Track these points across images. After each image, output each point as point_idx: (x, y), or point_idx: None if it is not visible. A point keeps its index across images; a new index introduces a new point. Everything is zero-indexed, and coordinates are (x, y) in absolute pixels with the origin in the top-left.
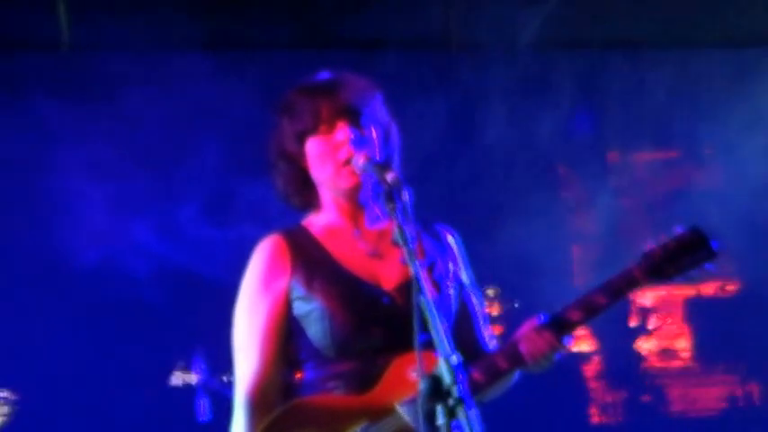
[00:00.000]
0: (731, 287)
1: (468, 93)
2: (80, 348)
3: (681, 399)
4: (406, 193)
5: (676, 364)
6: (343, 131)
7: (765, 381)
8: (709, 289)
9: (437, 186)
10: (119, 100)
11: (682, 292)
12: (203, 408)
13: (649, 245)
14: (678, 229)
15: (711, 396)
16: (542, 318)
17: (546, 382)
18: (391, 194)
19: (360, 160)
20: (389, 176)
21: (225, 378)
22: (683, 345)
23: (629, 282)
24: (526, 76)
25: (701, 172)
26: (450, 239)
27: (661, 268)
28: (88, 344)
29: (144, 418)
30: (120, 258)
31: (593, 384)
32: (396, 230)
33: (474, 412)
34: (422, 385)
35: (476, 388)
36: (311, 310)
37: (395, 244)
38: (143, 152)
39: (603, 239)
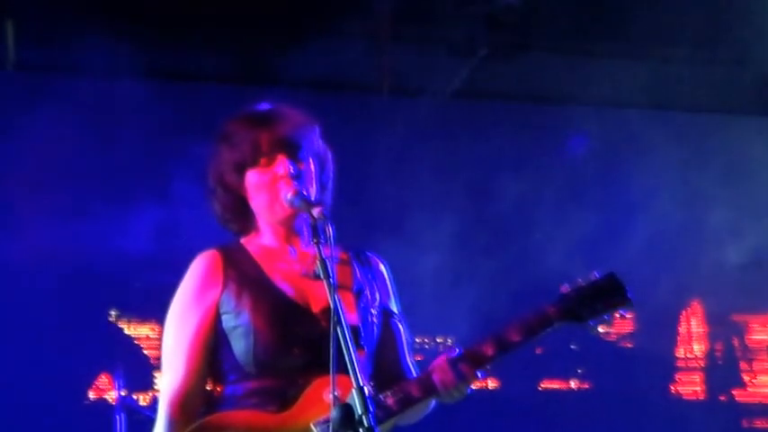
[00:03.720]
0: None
1: (395, 137)
2: None
3: None
4: (330, 228)
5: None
6: (282, 165)
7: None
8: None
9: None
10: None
11: None
12: (120, 424)
13: (565, 287)
14: (595, 274)
15: None
16: (457, 350)
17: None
18: (316, 229)
19: (288, 194)
20: (315, 212)
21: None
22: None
23: (544, 322)
24: (452, 123)
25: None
26: (382, 268)
27: (575, 311)
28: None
29: None
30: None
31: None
32: (318, 264)
33: None
34: (333, 413)
35: (388, 414)
36: (238, 325)
37: (316, 277)
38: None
39: None
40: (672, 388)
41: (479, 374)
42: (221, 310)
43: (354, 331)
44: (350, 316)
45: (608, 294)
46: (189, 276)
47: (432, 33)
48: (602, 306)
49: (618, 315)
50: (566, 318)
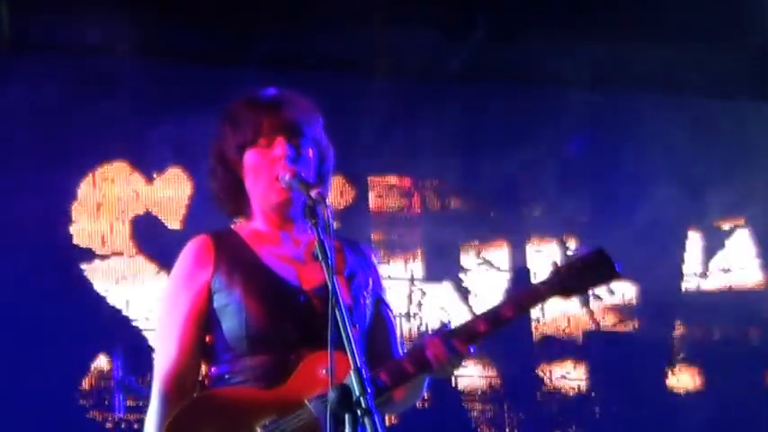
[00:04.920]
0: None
1: (390, 119)
2: None
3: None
4: (329, 210)
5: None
6: (280, 147)
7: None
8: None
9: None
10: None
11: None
12: (119, 402)
13: (555, 262)
14: (583, 249)
15: None
16: (450, 326)
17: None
18: (314, 210)
19: (286, 175)
20: (313, 193)
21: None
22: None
23: (535, 296)
24: (449, 105)
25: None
26: (373, 258)
27: (566, 285)
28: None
29: (58, 413)
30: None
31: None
32: (316, 244)
33: (380, 423)
34: (331, 394)
35: (382, 389)
36: (229, 303)
37: (314, 258)
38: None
39: None
40: (670, 377)
41: (472, 349)
42: (213, 289)
43: (347, 310)
44: (343, 296)
45: (597, 268)
46: (180, 259)
47: (428, 14)
48: (592, 280)
49: (607, 289)
50: (556, 292)
